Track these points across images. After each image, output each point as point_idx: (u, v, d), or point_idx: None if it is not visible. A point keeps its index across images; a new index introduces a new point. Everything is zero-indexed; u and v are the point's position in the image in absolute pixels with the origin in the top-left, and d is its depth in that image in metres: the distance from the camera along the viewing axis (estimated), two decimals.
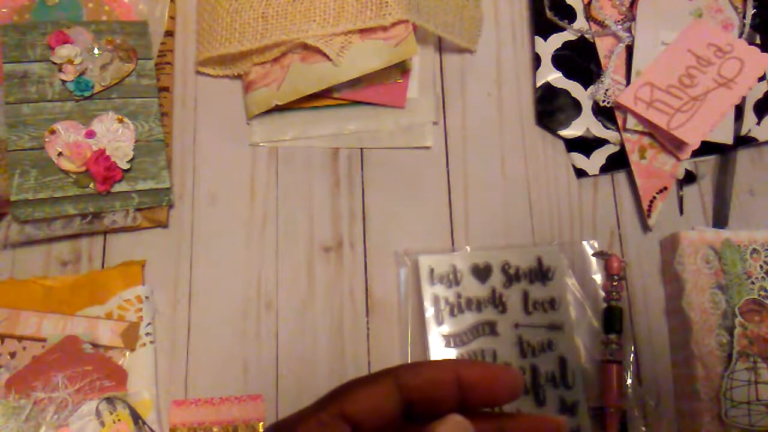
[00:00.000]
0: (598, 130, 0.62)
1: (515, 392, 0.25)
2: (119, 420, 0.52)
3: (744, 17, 0.63)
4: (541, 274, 0.57)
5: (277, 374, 0.56)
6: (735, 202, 0.61)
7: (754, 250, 0.56)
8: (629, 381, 0.55)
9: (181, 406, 0.54)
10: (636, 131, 0.61)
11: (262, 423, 0.54)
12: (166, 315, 0.57)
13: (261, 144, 0.61)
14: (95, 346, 0.54)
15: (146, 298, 0.56)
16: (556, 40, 0.64)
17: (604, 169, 0.61)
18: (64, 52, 0.58)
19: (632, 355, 0.56)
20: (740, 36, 0.62)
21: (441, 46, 0.65)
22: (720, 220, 0.60)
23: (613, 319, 0.55)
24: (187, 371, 0.55)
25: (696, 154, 0.60)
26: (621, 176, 0.62)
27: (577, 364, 0.55)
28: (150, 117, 0.59)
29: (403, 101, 0.61)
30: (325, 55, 0.58)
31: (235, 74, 0.62)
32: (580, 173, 0.61)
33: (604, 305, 0.57)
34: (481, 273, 0.57)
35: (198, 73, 0.63)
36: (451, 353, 0.55)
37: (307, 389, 0.55)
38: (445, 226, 0.60)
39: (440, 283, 0.56)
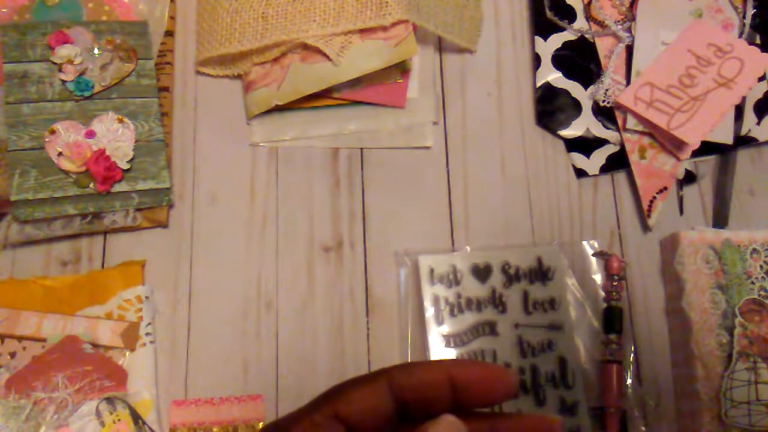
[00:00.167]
0: (598, 130, 0.62)
1: (509, 392, 0.25)
2: (119, 420, 0.52)
3: (744, 17, 0.63)
4: (541, 274, 0.57)
5: (277, 374, 0.56)
6: (735, 202, 0.61)
7: (754, 250, 0.56)
8: (629, 381, 0.55)
9: (181, 406, 0.54)
10: (636, 131, 0.61)
11: (262, 423, 0.54)
12: (166, 315, 0.57)
13: (261, 144, 0.61)
14: (95, 346, 0.54)
15: (146, 298, 0.56)
16: (556, 40, 0.64)
17: (604, 169, 0.61)
18: (64, 52, 0.58)
19: (632, 355, 0.56)
20: (740, 36, 0.63)
21: (441, 46, 0.65)
22: (720, 220, 0.60)
23: (613, 319, 0.55)
24: (187, 371, 0.55)
25: (696, 154, 0.60)
26: (621, 176, 0.62)
27: (577, 364, 0.55)
28: (150, 117, 0.59)
29: (403, 101, 0.61)
30: (325, 55, 0.58)
31: (235, 74, 0.62)
32: (580, 173, 0.61)
33: (604, 305, 0.57)
34: (481, 273, 0.57)
35: (198, 73, 0.63)
36: (451, 353, 0.55)
37: (307, 389, 0.55)
38: (445, 226, 0.60)
39: (440, 283, 0.56)
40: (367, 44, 0.58)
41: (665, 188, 0.60)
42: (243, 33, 0.59)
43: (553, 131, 0.62)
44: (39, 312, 0.54)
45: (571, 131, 0.62)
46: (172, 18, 0.64)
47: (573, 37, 0.64)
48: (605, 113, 0.62)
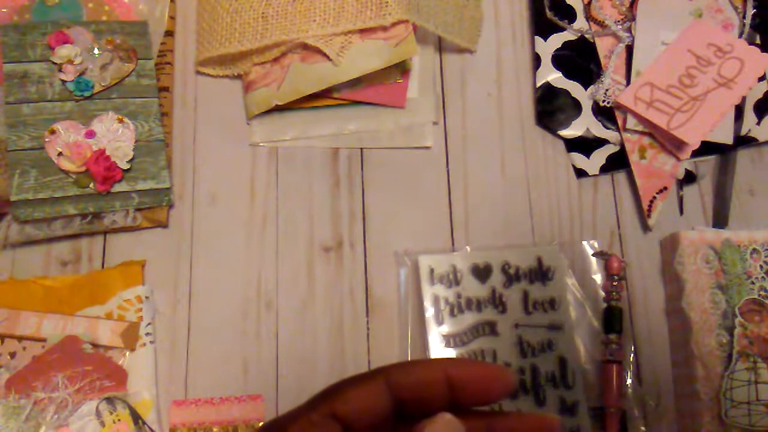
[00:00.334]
0: (598, 130, 0.62)
1: (506, 390, 0.25)
2: (119, 420, 0.52)
3: (744, 17, 0.63)
4: (541, 274, 0.57)
5: (277, 374, 0.56)
6: (735, 202, 0.61)
7: (754, 250, 0.56)
8: (629, 381, 0.55)
9: (181, 406, 0.54)
10: (636, 131, 0.61)
11: (262, 423, 0.54)
12: (166, 315, 0.57)
13: (261, 144, 0.61)
14: (95, 346, 0.54)
15: (146, 298, 0.56)
16: (556, 40, 0.64)
17: (604, 169, 0.61)
18: (64, 52, 0.58)
19: (632, 355, 0.56)
20: (740, 36, 0.62)
21: (441, 46, 0.65)
22: (720, 220, 0.60)
23: (613, 319, 0.55)
24: (187, 371, 0.55)
25: (696, 154, 0.60)
26: (621, 176, 0.62)
27: (577, 364, 0.55)
28: (150, 117, 0.59)
29: (403, 101, 0.61)
30: (325, 55, 0.58)
31: (235, 74, 0.62)
32: (580, 173, 0.61)
33: (604, 305, 0.57)
34: (481, 273, 0.57)
35: (198, 73, 0.63)
36: (451, 353, 0.55)
37: (307, 389, 0.55)
38: (445, 226, 0.60)
39: (440, 283, 0.56)
40: (367, 44, 0.58)
41: (665, 188, 0.60)
42: (243, 33, 0.59)
43: (553, 131, 0.62)
44: (39, 312, 0.54)
45: (571, 131, 0.62)
46: (172, 18, 0.64)
47: (573, 37, 0.64)
48: (605, 113, 0.62)
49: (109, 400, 0.52)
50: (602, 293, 0.57)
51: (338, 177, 0.61)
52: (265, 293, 0.58)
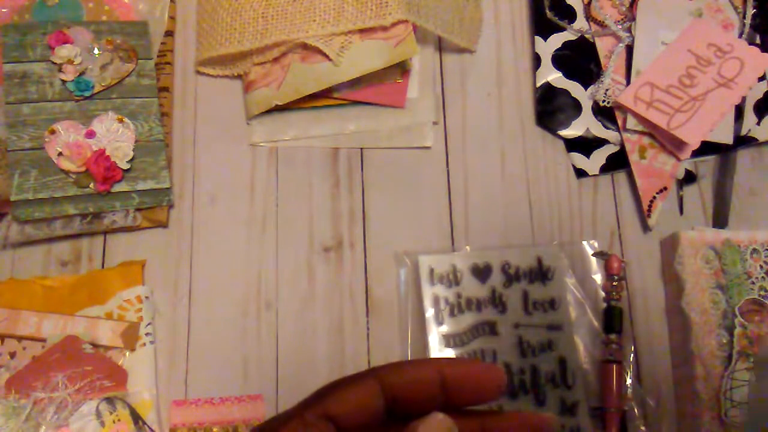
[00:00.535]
0: (598, 130, 0.62)
1: (499, 390, 0.25)
2: (119, 420, 0.52)
3: (744, 17, 0.63)
4: (541, 274, 0.57)
5: (277, 374, 0.56)
6: (735, 202, 0.61)
7: (754, 250, 0.56)
8: (629, 381, 0.55)
9: (181, 406, 0.54)
10: (636, 131, 0.61)
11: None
12: (166, 315, 0.57)
13: (261, 144, 0.61)
14: (95, 346, 0.54)
15: (146, 298, 0.56)
16: (556, 40, 0.64)
17: (604, 169, 0.61)
18: (64, 52, 0.58)
19: (632, 355, 0.56)
20: (740, 36, 0.63)
21: (441, 46, 0.65)
22: (720, 220, 0.60)
23: (613, 319, 0.55)
24: (187, 371, 0.55)
25: (696, 154, 0.60)
26: (621, 176, 0.62)
27: (577, 364, 0.55)
28: (150, 117, 0.59)
29: (403, 101, 0.61)
30: (325, 55, 0.58)
31: (235, 74, 0.62)
32: (580, 173, 0.61)
33: (604, 305, 0.57)
34: (481, 273, 0.57)
35: (198, 73, 0.63)
36: (451, 353, 0.55)
37: (307, 389, 0.55)
38: (445, 226, 0.60)
39: (440, 283, 0.56)
40: (367, 44, 0.58)
41: (665, 188, 0.60)
42: (243, 33, 0.59)
43: (553, 131, 0.62)
44: (39, 312, 0.54)
45: (571, 131, 0.62)
46: (172, 18, 0.64)
47: (573, 37, 0.64)
48: (605, 113, 0.62)
49: (109, 400, 0.52)
50: (602, 293, 0.57)
51: (338, 177, 0.61)
52: (265, 293, 0.58)
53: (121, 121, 0.58)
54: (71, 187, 0.56)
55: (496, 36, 0.66)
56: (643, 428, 0.54)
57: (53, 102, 0.58)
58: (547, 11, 0.64)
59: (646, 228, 0.60)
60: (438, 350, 0.55)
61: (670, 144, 0.60)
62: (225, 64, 0.62)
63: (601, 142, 0.62)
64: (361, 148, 0.61)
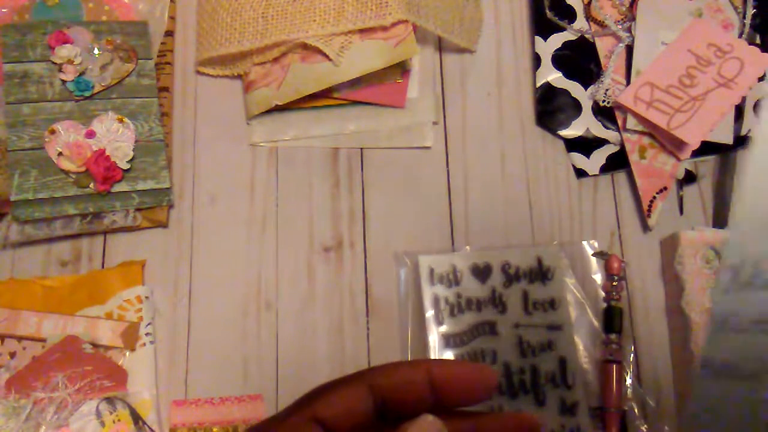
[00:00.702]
0: (598, 130, 0.62)
1: (489, 390, 0.25)
2: (119, 420, 0.52)
3: (744, 17, 0.63)
4: (541, 274, 0.57)
5: (277, 374, 0.56)
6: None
7: None
8: (629, 381, 0.55)
9: (181, 406, 0.54)
10: (636, 131, 0.61)
11: None
12: (166, 315, 0.57)
13: (261, 144, 0.61)
14: (95, 346, 0.54)
15: (146, 298, 0.56)
16: (556, 40, 0.64)
17: (604, 169, 0.61)
18: (64, 52, 0.58)
19: (632, 355, 0.56)
20: (740, 36, 0.62)
21: (441, 46, 0.65)
22: (720, 220, 0.60)
23: (613, 319, 0.55)
24: (187, 371, 0.55)
25: (696, 154, 0.60)
26: (621, 176, 0.62)
27: (577, 364, 0.55)
28: (150, 117, 0.59)
29: (403, 101, 0.61)
30: (325, 55, 0.58)
31: (235, 74, 0.62)
32: (580, 173, 0.61)
33: (604, 305, 0.57)
34: (481, 273, 0.57)
35: (198, 73, 0.63)
36: (451, 353, 0.55)
37: (306, 389, 0.55)
38: (445, 226, 0.60)
39: (440, 283, 0.56)
40: (367, 44, 0.58)
41: (665, 188, 0.60)
42: (243, 33, 0.59)
43: (553, 131, 0.62)
44: (39, 312, 0.54)
45: (571, 131, 0.62)
46: (172, 18, 0.64)
47: (573, 37, 0.64)
48: (605, 113, 0.62)
49: (109, 400, 0.52)
50: (602, 293, 0.57)
51: (338, 177, 0.61)
52: (265, 293, 0.58)
53: (121, 121, 0.58)
54: (71, 187, 0.56)
55: (496, 36, 0.66)
56: (643, 428, 0.54)
57: (53, 102, 0.58)
58: (547, 11, 0.64)
59: (646, 228, 0.60)
60: (438, 350, 0.55)
61: (670, 144, 0.60)
62: (225, 64, 0.62)
63: (601, 142, 0.62)
64: (361, 148, 0.61)
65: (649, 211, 0.59)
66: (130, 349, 0.54)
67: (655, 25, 0.62)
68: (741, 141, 0.61)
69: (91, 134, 0.57)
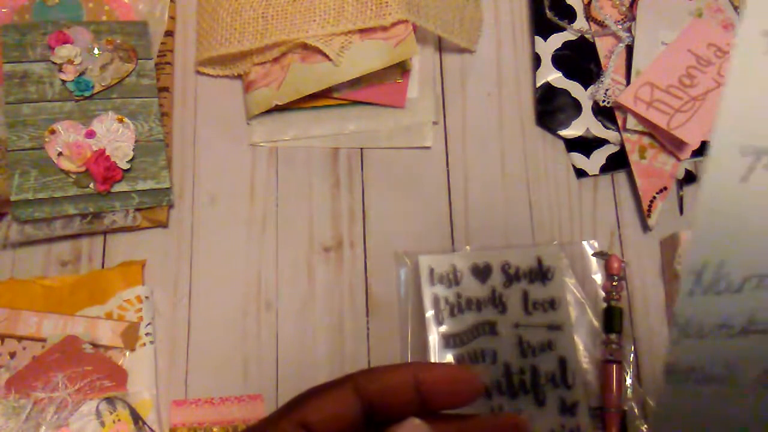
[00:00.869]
0: (598, 130, 0.62)
1: (476, 393, 0.25)
2: (119, 420, 0.52)
3: None
4: (541, 274, 0.57)
5: (277, 374, 0.56)
6: None
7: None
8: (629, 381, 0.55)
9: (181, 406, 0.54)
10: (636, 131, 0.60)
11: None
12: (166, 315, 0.57)
13: (261, 144, 0.61)
14: (95, 346, 0.54)
15: (146, 298, 0.56)
16: (556, 40, 0.64)
17: (604, 169, 0.61)
18: (64, 52, 0.58)
19: (632, 355, 0.56)
20: None
21: (441, 46, 0.65)
22: None
23: (613, 319, 0.55)
24: (187, 371, 0.55)
25: (696, 154, 0.60)
26: (621, 176, 0.62)
27: (577, 364, 0.55)
28: (150, 117, 0.59)
29: (403, 101, 0.61)
30: (325, 55, 0.58)
31: (235, 74, 0.62)
32: (580, 173, 0.61)
33: (604, 305, 0.57)
34: (481, 273, 0.57)
35: (198, 73, 0.63)
36: (451, 353, 0.55)
37: (306, 389, 0.55)
38: (445, 226, 0.60)
39: (440, 283, 0.56)
40: (367, 44, 0.58)
41: (665, 188, 0.60)
42: (243, 33, 0.59)
43: (553, 131, 0.62)
44: (39, 312, 0.54)
45: (571, 131, 0.62)
46: (172, 18, 0.64)
47: (573, 37, 0.64)
48: (605, 113, 0.62)
49: (109, 400, 0.52)
50: (602, 293, 0.57)
51: (338, 177, 0.61)
52: (265, 293, 0.58)
53: (121, 121, 0.58)
54: (71, 187, 0.56)
55: (496, 36, 0.66)
56: (643, 428, 0.54)
57: (53, 102, 0.58)
58: (547, 11, 0.64)
59: (646, 228, 0.60)
60: (438, 350, 0.55)
61: (670, 144, 0.60)
62: (225, 64, 0.62)
63: (601, 142, 0.62)
64: (361, 148, 0.61)
65: (649, 211, 0.59)
66: (130, 349, 0.54)
67: (655, 25, 0.62)
68: None
69: (91, 134, 0.57)
